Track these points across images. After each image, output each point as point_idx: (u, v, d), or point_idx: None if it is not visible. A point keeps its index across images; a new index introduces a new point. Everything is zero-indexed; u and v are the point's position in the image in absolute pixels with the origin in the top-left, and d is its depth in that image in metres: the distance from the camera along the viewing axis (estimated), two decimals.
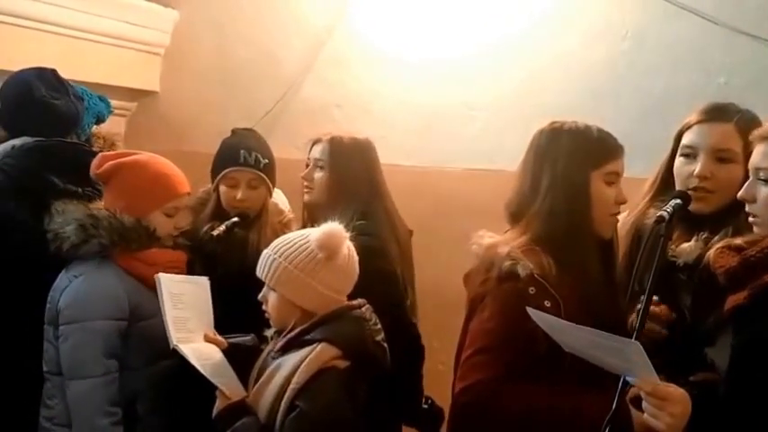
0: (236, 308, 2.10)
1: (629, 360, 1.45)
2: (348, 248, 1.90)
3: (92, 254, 2.06)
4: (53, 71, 2.42)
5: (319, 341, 1.79)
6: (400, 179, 2.84)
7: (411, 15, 3.37)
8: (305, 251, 1.84)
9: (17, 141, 2.29)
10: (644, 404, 1.48)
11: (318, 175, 2.44)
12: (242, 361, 1.94)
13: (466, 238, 1.87)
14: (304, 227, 2.46)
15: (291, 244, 1.86)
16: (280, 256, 1.85)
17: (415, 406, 2.47)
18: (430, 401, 2.51)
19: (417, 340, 2.48)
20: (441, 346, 2.75)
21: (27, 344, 2.12)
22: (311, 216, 2.48)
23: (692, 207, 1.84)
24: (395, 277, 2.33)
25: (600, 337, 1.46)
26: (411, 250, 2.55)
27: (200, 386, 1.87)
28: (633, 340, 1.44)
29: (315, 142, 2.48)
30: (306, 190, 2.49)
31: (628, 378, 1.50)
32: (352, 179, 2.40)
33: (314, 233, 1.87)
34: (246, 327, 2.07)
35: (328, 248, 1.83)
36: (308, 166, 2.49)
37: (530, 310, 1.58)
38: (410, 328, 2.44)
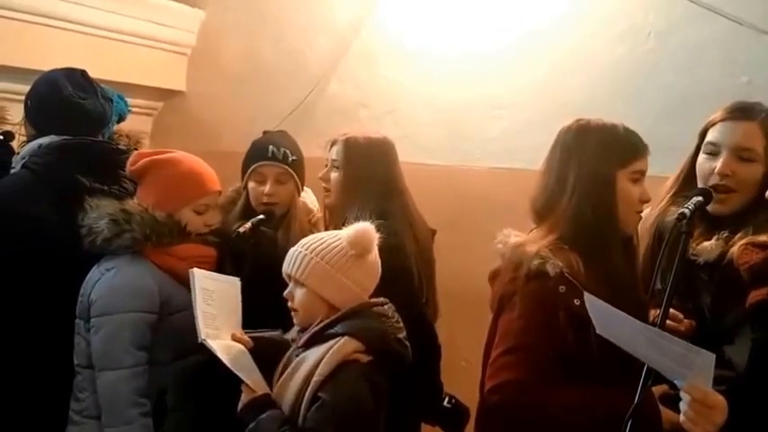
0: (264, 305, 2.10)
1: (691, 367, 1.42)
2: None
3: (124, 248, 2.10)
4: (82, 72, 2.45)
5: (342, 335, 1.82)
6: (425, 178, 2.87)
7: (437, 15, 3.39)
8: (336, 248, 1.87)
9: (44, 140, 2.31)
10: (684, 408, 1.46)
11: (334, 175, 2.46)
12: (267, 359, 1.96)
13: (490, 237, 1.89)
14: (326, 227, 2.50)
15: (322, 241, 1.90)
16: (311, 252, 1.88)
17: (434, 403, 2.47)
18: (454, 400, 2.49)
19: (434, 338, 2.47)
20: (464, 344, 2.76)
21: (58, 339, 2.16)
22: (331, 216, 2.51)
23: (712, 208, 1.84)
24: (410, 275, 2.34)
25: (666, 339, 1.44)
26: (432, 248, 2.56)
27: (226, 381, 1.89)
28: (710, 352, 1.40)
29: (332, 143, 2.50)
30: (324, 191, 2.52)
31: (676, 381, 1.48)
32: (365, 179, 2.40)
33: (345, 232, 1.91)
34: (274, 323, 2.09)
35: (360, 246, 1.87)
36: (326, 166, 2.52)
37: (586, 295, 1.55)
38: (426, 325, 2.44)
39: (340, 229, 2.12)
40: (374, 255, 1.92)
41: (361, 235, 1.88)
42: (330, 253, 1.87)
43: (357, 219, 2.20)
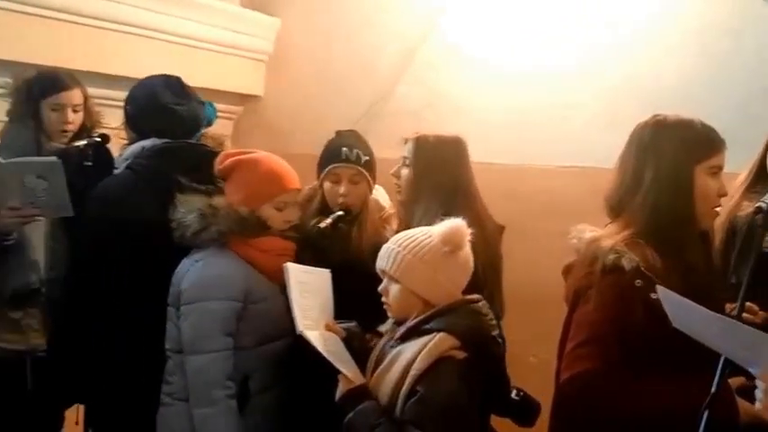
0: (337, 299, 2.19)
1: (764, 355, 1.43)
2: None
3: (210, 240, 2.20)
4: (178, 79, 2.55)
5: (438, 331, 1.84)
6: (493, 177, 2.89)
7: (500, 21, 3.45)
8: (429, 245, 1.90)
9: (147, 143, 2.42)
10: (760, 395, 1.47)
11: (405, 172, 2.52)
12: (355, 349, 2.02)
13: (558, 235, 1.91)
14: (398, 223, 2.54)
15: (415, 238, 1.92)
16: (404, 249, 1.90)
17: (502, 396, 2.49)
18: (522, 393, 2.48)
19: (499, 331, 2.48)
20: (532, 339, 2.80)
21: (152, 326, 2.27)
22: (403, 213, 2.55)
23: None
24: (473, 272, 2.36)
25: (739, 329, 1.44)
26: (499, 245, 2.57)
27: (309, 367, 1.97)
28: None
29: (406, 141, 2.56)
30: (396, 188, 2.58)
31: (751, 370, 1.49)
32: (434, 176, 2.44)
33: (437, 229, 1.93)
34: (346, 317, 2.15)
35: (453, 243, 1.89)
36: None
37: (660, 288, 1.56)
38: None
39: (409, 225, 2.18)
40: (466, 251, 1.94)
41: (454, 231, 1.90)
42: (423, 250, 1.89)
43: (424, 216, 2.27)
